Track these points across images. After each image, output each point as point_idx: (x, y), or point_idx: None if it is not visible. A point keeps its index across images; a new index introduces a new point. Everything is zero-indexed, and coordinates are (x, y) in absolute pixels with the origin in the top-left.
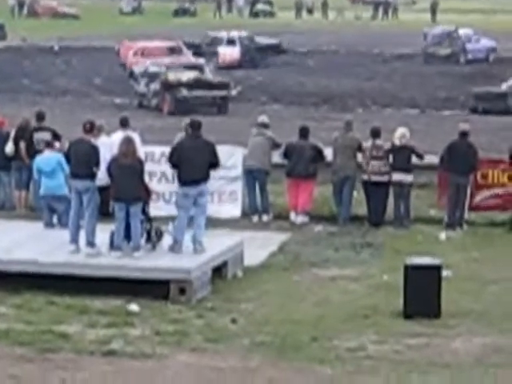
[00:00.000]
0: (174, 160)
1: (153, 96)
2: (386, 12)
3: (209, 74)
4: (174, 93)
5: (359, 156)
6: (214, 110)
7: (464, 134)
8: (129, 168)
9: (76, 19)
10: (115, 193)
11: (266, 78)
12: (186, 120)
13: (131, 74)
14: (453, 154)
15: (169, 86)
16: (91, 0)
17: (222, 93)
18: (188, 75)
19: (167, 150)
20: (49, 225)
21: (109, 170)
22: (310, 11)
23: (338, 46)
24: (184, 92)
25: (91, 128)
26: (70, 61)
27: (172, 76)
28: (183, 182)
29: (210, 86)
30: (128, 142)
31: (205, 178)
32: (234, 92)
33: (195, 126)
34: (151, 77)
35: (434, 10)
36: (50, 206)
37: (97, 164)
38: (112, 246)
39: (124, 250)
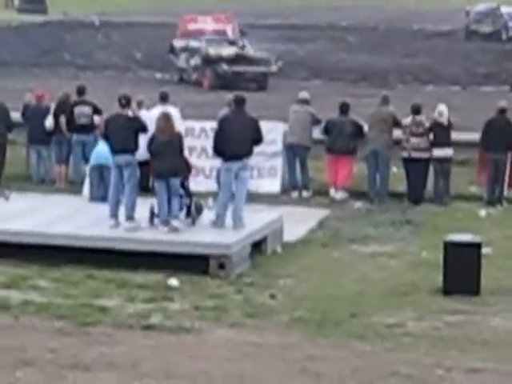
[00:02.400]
0: (221, 135)
1: (193, 71)
2: None
3: (250, 50)
4: (215, 68)
5: (396, 131)
6: (254, 86)
7: (502, 111)
8: (167, 144)
9: None
10: (155, 169)
11: (307, 53)
12: (230, 95)
13: (172, 49)
14: (491, 131)
15: (209, 61)
16: None
17: (263, 69)
18: (229, 50)
19: (207, 125)
20: (94, 198)
21: (149, 146)
22: None
23: (377, 22)
24: (224, 67)
25: (127, 102)
26: (110, 35)
27: (213, 51)
28: (227, 156)
29: (250, 61)
30: (165, 118)
31: (248, 153)
32: (274, 68)
33: (239, 102)
34: (192, 52)
35: None
36: (101, 176)
37: (144, 130)
38: (152, 220)
39: (169, 223)
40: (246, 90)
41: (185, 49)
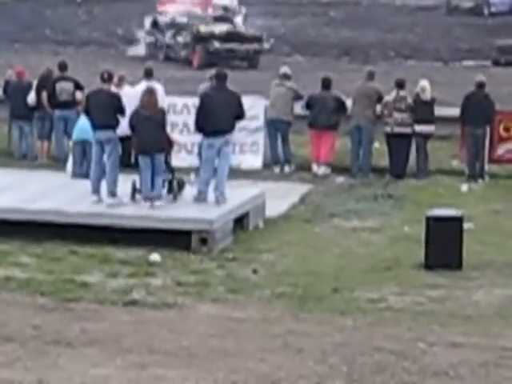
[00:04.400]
0: (202, 111)
1: (182, 48)
2: None
3: (241, 27)
4: (206, 45)
5: (378, 107)
6: (245, 64)
7: (480, 86)
8: (150, 119)
9: None
10: (138, 144)
11: (289, 29)
12: (211, 71)
13: (155, 24)
14: (469, 106)
15: (200, 39)
16: None
17: (255, 46)
18: (220, 28)
19: (189, 101)
20: (77, 174)
21: (131, 121)
22: None
23: None
24: (216, 44)
25: (109, 77)
26: (92, 11)
27: (204, 28)
28: (209, 132)
29: (242, 38)
30: (150, 93)
31: (230, 128)
32: (266, 45)
33: (221, 77)
34: (179, 28)
35: None
36: (83, 151)
37: (121, 112)
38: (133, 196)
39: (151, 198)
40: (236, 68)
41: (171, 25)
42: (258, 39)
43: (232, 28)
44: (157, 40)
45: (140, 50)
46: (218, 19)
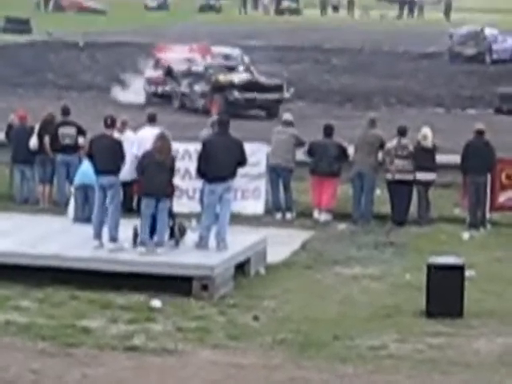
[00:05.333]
0: (204, 157)
1: (199, 97)
2: (411, 11)
3: (260, 76)
4: (225, 94)
5: (380, 154)
6: (264, 113)
7: (479, 133)
8: (162, 164)
9: (102, 14)
10: (145, 187)
11: (292, 74)
12: (213, 117)
13: (169, 73)
14: (469, 154)
15: (219, 88)
16: None
17: (275, 95)
18: (240, 76)
19: (191, 147)
20: (79, 219)
21: (140, 164)
22: (335, 9)
23: (362, 44)
24: (235, 94)
25: (112, 123)
26: (95, 56)
27: (223, 77)
28: (211, 178)
29: (262, 88)
30: (163, 139)
31: (232, 175)
32: (287, 94)
33: (224, 124)
34: (196, 77)
35: (447, 9)
36: (85, 196)
37: (122, 158)
38: (135, 241)
39: (148, 245)
40: (255, 118)
41: (187, 74)
42: (278, 88)
43: (251, 77)
44: (172, 89)
45: (137, 97)
46: (236, 68)
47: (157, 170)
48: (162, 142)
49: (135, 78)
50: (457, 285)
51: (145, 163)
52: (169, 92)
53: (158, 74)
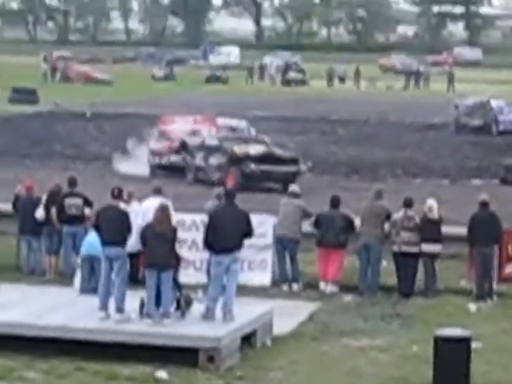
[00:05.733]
0: (211, 229)
1: (215, 170)
2: (417, 82)
3: (277, 148)
4: (241, 167)
5: (387, 226)
6: (281, 186)
7: (484, 205)
8: (163, 235)
9: (108, 85)
10: (148, 259)
11: (298, 145)
12: (217, 189)
13: (183, 146)
14: (476, 226)
15: (235, 160)
16: (124, 66)
17: (292, 168)
18: (256, 149)
19: (197, 218)
20: (85, 290)
21: (143, 236)
22: (341, 80)
23: (369, 116)
24: (251, 166)
25: (119, 194)
26: (102, 126)
27: (239, 149)
28: (217, 250)
29: (279, 160)
30: (163, 210)
31: (238, 246)
32: (303, 167)
33: (231, 195)
34: (210, 150)
35: (450, 80)
36: (91, 267)
37: (128, 229)
38: (141, 312)
39: (154, 317)
40: (272, 191)
41: (201, 147)
42: (295, 161)
43: (268, 149)
44: (185, 162)
45: (140, 169)
46: (251, 141)
47: (158, 242)
48: (162, 213)
49: (139, 150)
50: (464, 357)
51: (146, 234)
52: (175, 164)
53: (163, 145)
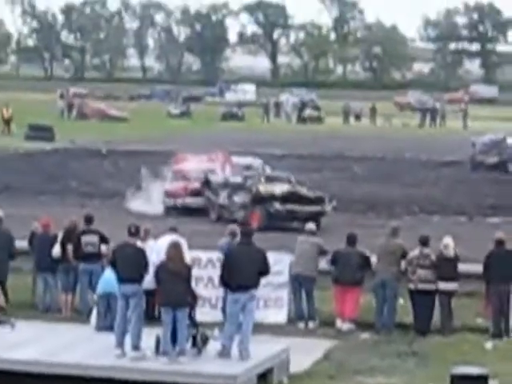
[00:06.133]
0: (228, 266)
1: (239, 209)
2: (433, 119)
3: (302, 188)
4: (266, 206)
5: (403, 263)
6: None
7: (500, 242)
8: (176, 273)
9: (124, 122)
10: (162, 298)
11: (313, 183)
12: (231, 226)
13: (207, 184)
14: (492, 264)
15: (260, 199)
16: (139, 103)
17: (317, 208)
18: (281, 188)
19: (214, 255)
20: (101, 328)
21: (156, 274)
22: (357, 117)
23: (385, 153)
24: (276, 206)
25: (136, 231)
26: (117, 163)
27: (264, 188)
28: (234, 287)
29: (304, 199)
30: (175, 247)
31: (255, 284)
32: (328, 207)
33: (247, 234)
34: (234, 188)
35: (464, 117)
36: (108, 305)
37: (145, 267)
38: (158, 350)
39: (170, 354)
40: (296, 231)
41: (225, 184)
42: (320, 200)
43: (292, 188)
44: (209, 200)
45: (154, 208)
46: (276, 179)
47: (172, 280)
48: (174, 250)
49: (154, 187)
50: None
51: (160, 273)
52: (190, 206)
53: (177, 186)
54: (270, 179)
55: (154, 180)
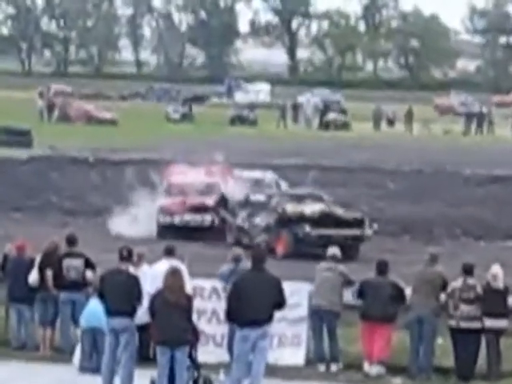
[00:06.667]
0: (235, 297)
1: (261, 232)
2: (480, 125)
3: (337, 208)
4: (294, 229)
5: (443, 296)
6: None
7: None
8: (174, 305)
9: (115, 125)
10: (158, 334)
11: (337, 200)
12: (235, 249)
13: (222, 202)
14: None
15: (287, 221)
16: (133, 103)
17: (355, 232)
18: (312, 208)
19: (219, 284)
20: (86, 369)
21: (151, 306)
22: (390, 122)
23: (422, 165)
24: (307, 229)
25: (129, 255)
26: (105, 174)
27: (291, 208)
28: (243, 323)
29: (339, 222)
30: (174, 274)
31: (268, 319)
32: (369, 231)
33: (259, 259)
34: (256, 207)
35: None
36: (93, 341)
37: (138, 298)
38: None
39: None
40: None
41: (245, 203)
42: (359, 223)
43: (326, 208)
44: (224, 221)
45: (144, 229)
46: (305, 197)
47: (169, 313)
48: (173, 278)
49: (145, 204)
50: None
51: (155, 304)
52: (190, 224)
53: (173, 201)
54: (298, 198)
55: (146, 195)
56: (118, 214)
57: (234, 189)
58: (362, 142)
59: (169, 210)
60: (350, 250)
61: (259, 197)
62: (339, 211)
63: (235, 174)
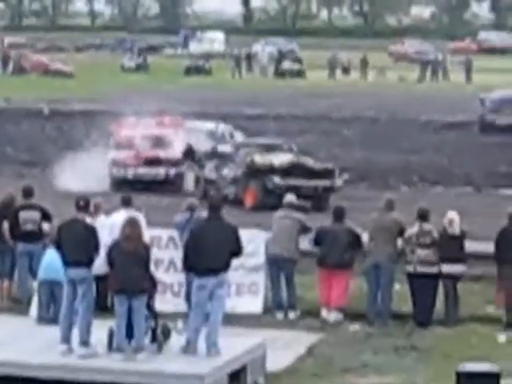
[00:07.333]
0: (192, 246)
1: (229, 185)
2: (435, 72)
3: (307, 158)
4: (263, 181)
5: (400, 242)
6: (309, 204)
7: None
8: (133, 255)
9: (70, 77)
10: (115, 284)
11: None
12: (189, 199)
13: (189, 154)
14: (504, 242)
15: (256, 172)
16: (88, 54)
17: (325, 182)
18: (281, 158)
19: (176, 233)
20: (44, 320)
21: (109, 256)
22: (345, 70)
23: (378, 112)
24: (276, 180)
25: (86, 205)
26: (61, 126)
27: (260, 159)
28: (200, 271)
29: (309, 172)
30: (132, 224)
31: (225, 267)
32: (339, 182)
33: (215, 207)
34: (224, 159)
35: (468, 69)
36: (51, 293)
37: (95, 248)
38: (111, 346)
39: (125, 351)
40: (300, 210)
41: (213, 154)
42: (329, 174)
43: (295, 159)
44: (180, 174)
45: (92, 183)
46: (274, 148)
47: (127, 262)
48: (131, 228)
49: (98, 157)
50: None
51: (113, 254)
52: (144, 177)
53: (127, 154)
54: (267, 148)
55: (96, 148)
56: (67, 167)
57: (189, 140)
58: (317, 90)
59: (122, 163)
60: (320, 201)
61: (226, 148)
62: (309, 162)
63: (187, 125)
